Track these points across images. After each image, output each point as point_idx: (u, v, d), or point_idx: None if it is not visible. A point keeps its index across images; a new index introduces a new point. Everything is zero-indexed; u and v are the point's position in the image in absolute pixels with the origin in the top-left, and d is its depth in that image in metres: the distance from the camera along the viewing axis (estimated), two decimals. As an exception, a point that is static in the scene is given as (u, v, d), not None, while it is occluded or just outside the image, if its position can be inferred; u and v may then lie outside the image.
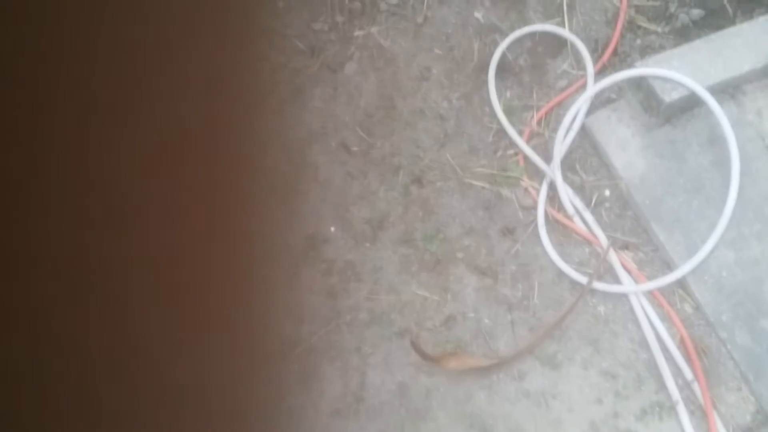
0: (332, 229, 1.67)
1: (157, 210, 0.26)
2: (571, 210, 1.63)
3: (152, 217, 0.26)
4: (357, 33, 1.78)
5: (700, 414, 1.47)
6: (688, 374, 1.49)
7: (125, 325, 0.26)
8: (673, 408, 1.47)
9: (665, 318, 1.55)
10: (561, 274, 1.59)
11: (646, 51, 1.73)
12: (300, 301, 1.61)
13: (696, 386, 1.48)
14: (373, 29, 1.78)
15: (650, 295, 1.57)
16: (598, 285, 1.57)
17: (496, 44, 1.74)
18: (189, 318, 0.29)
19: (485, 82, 1.72)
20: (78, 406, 0.25)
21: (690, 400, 1.48)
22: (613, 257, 1.59)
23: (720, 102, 1.60)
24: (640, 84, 1.66)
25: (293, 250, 1.65)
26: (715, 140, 1.62)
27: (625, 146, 1.66)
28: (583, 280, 1.57)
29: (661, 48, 1.72)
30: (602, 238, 1.60)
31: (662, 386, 1.49)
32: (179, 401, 0.30)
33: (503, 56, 1.73)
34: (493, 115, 1.71)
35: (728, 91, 1.65)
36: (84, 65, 0.22)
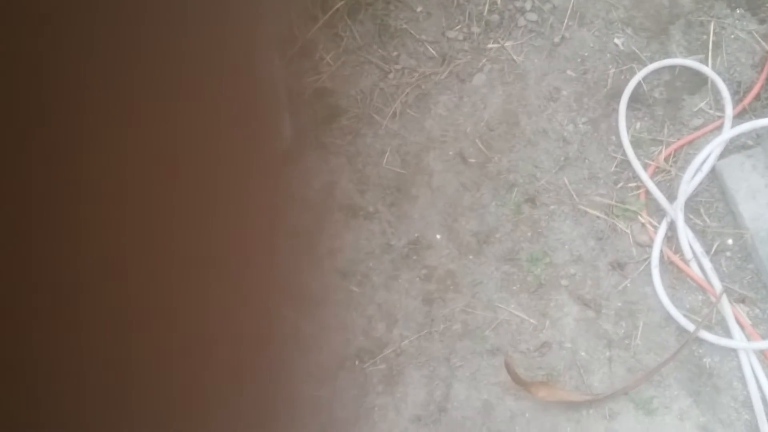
0: (438, 236, 1.66)
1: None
2: (689, 254, 1.56)
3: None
4: (491, 45, 1.77)
5: (800, 489, 1.37)
6: (793, 445, 1.40)
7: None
8: (771, 477, 1.38)
9: (775, 382, 1.46)
10: (669, 318, 1.53)
11: (792, 100, 1.64)
12: (396, 303, 1.61)
13: (800, 459, 1.38)
14: (508, 43, 1.76)
15: (761, 354, 1.48)
16: (708, 336, 1.49)
17: (632, 73, 1.69)
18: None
19: (615, 110, 1.68)
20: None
21: (791, 473, 1.39)
22: (727, 309, 1.51)
23: None
24: (781, 133, 1.58)
25: (396, 252, 1.65)
26: None
27: (756, 196, 1.57)
28: (691, 327, 1.50)
29: (810, 99, 1.63)
30: (718, 287, 1.52)
31: (763, 452, 1.40)
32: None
33: (638, 86, 1.68)
34: (619, 144, 1.66)
35: None
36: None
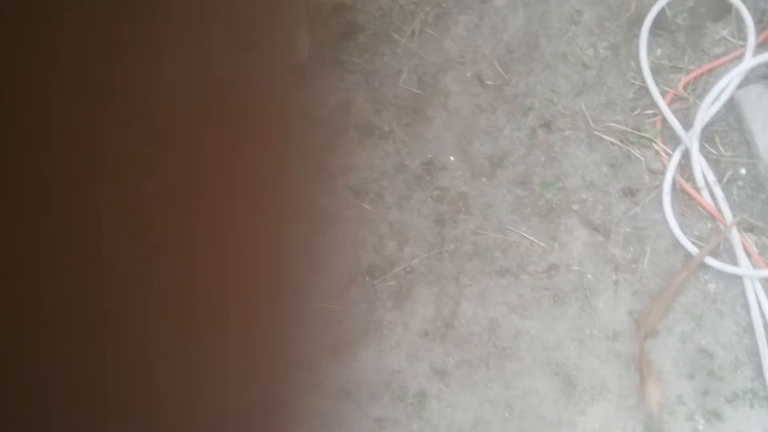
0: (452, 158, 1.67)
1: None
2: (701, 182, 1.57)
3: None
4: (513, -35, 1.73)
5: (794, 412, 1.42)
6: (791, 370, 1.44)
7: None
8: (767, 398, 1.43)
9: (778, 310, 1.49)
10: (677, 244, 1.55)
11: (817, 30, 1.61)
12: (407, 223, 1.64)
13: (796, 384, 1.42)
14: (531, -37, 1.73)
15: (766, 282, 1.51)
16: (715, 263, 1.52)
17: (656, -2, 1.66)
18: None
19: (637, 36, 1.66)
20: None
21: (786, 397, 1.43)
22: (736, 237, 1.52)
23: None
24: (804, 63, 1.56)
25: (409, 172, 1.67)
26: None
27: (773, 126, 1.57)
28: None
29: (836, 29, 1.59)
30: (728, 216, 1.54)
31: (759, 374, 1.44)
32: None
33: (661, 12, 1.65)
34: (639, 71, 1.65)
35: None
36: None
